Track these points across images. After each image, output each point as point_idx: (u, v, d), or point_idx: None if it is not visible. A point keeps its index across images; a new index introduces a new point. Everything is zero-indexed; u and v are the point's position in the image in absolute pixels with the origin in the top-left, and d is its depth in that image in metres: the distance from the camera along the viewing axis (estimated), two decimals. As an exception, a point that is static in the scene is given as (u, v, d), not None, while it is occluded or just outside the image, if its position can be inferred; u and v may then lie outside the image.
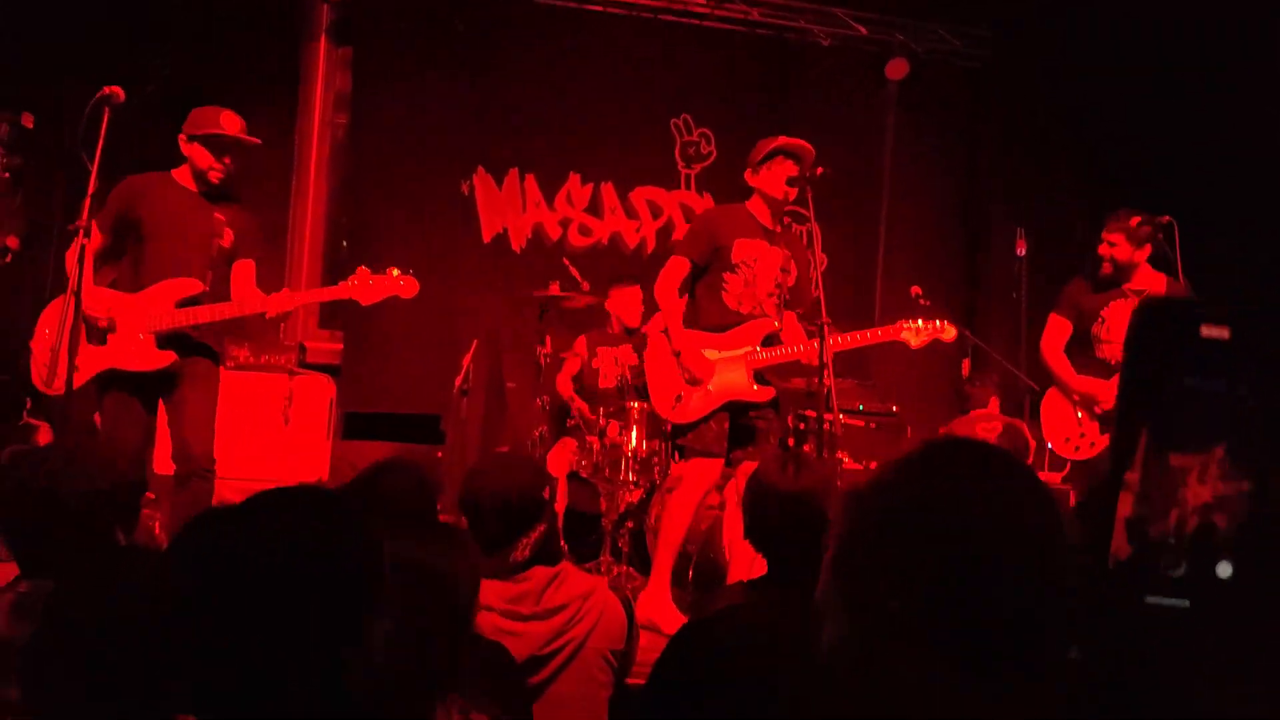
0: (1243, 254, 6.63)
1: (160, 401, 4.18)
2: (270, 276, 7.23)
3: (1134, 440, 0.97)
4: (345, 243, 7.57)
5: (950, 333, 4.63)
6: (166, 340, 4.08)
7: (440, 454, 6.75)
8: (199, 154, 4.19)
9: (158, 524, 4.64)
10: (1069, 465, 5.29)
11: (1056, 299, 5.07)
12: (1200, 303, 0.97)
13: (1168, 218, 4.78)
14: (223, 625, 1.15)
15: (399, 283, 4.15)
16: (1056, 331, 4.98)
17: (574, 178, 7.75)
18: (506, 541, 2.55)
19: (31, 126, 3.45)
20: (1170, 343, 0.96)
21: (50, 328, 3.93)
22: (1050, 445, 4.97)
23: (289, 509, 1.24)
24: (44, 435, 5.42)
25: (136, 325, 4.04)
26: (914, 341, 4.59)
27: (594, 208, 7.80)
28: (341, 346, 7.20)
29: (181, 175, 4.25)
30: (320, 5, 7.50)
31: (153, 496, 5.01)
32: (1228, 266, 6.22)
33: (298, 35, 7.57)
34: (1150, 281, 4.81)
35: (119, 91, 3.52)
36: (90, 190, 3.50)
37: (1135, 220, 4.74)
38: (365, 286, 4.13)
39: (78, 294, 3.41)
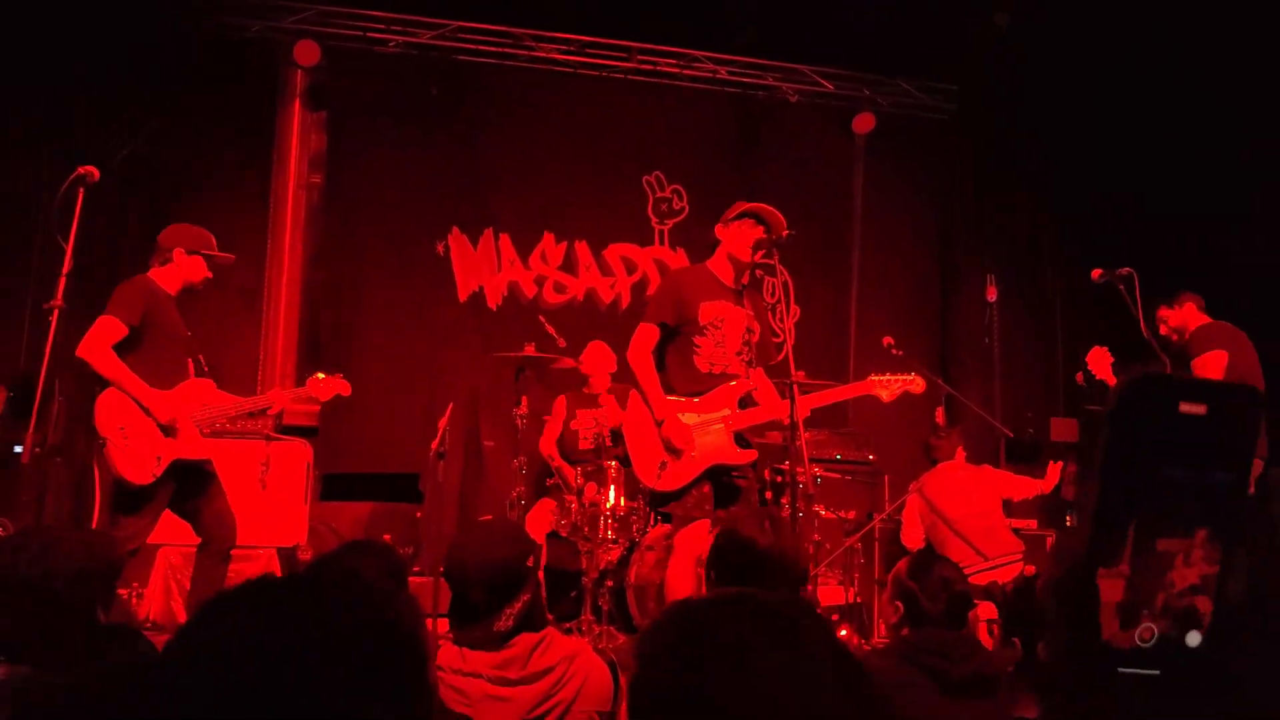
0: (1208, 297, 6.76)
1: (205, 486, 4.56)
2: (249, 337, 7.34)
3: (1117, 519, 1.01)
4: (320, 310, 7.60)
5: (920, 385, 4.70)
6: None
7: (419, 514, 6.74)
8: (198, 268, 4.55)
9: (133, 599, 4.63)
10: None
11: None
12: (1178, 380, 1.02)
13: (1128, 269, 4.89)
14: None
15: (339, 383, 4.81)
16: None
17: (548, 236, 7.84)
18: (490, 612, 2.56)
19: None
20: (1151, 419, 1.00)
21: (118, 423, 4.26)
22: None
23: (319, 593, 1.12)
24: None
25: (191, 419, 4.44)
26: (885, 395, 4.65)
27: (568, 265, 7.87)
28: (318, 409, 7.20)
29: (164, 279, 4.52)
30: (294, 70, 7.58)
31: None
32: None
33: (272, 99, 7.65)
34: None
35: (94, 171, 3.57)
36: (65, 269, 3.53)
37: (1096, 273, 4.87)
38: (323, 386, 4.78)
39: (50, 379, 3.45)
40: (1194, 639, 1.01)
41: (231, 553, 4.52)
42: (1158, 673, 1.01)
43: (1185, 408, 1.00)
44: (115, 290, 4.36)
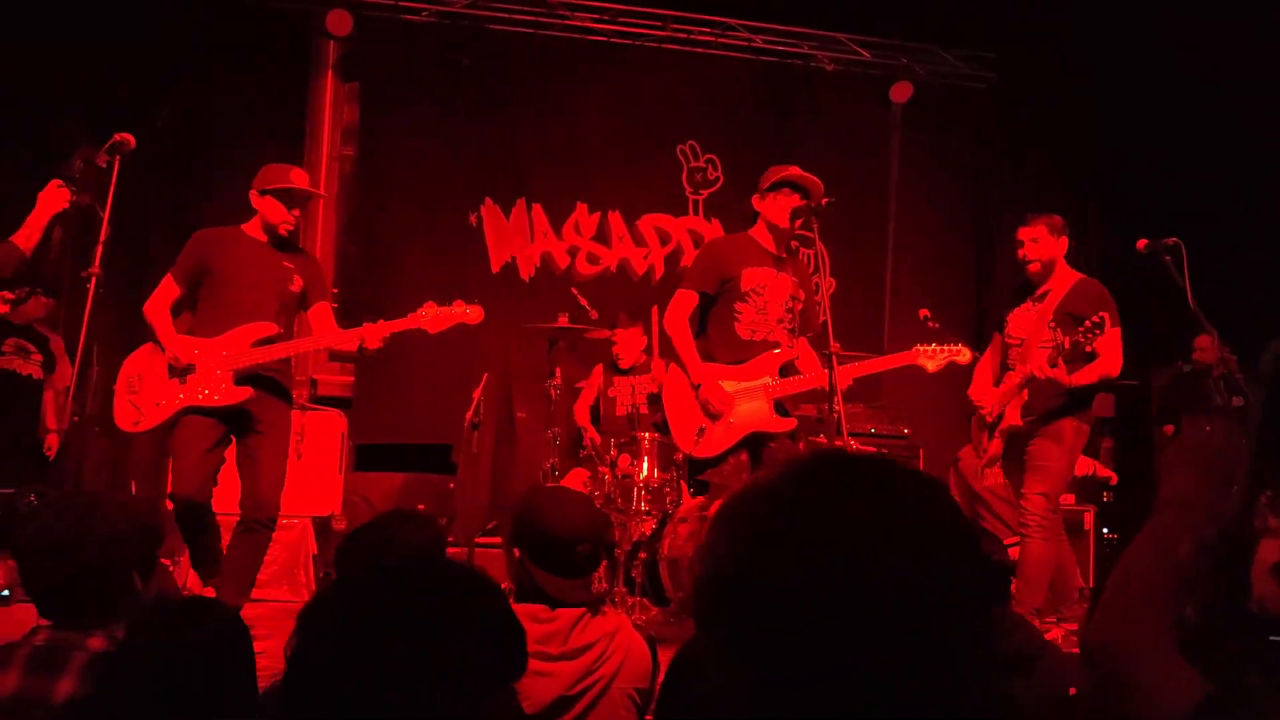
0: (1251, 271, 6.63)
1: (235, 442, 4.35)
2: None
3: (1273, 480, 0.99)
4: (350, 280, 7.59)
5: (966, 355, 4.62)
6: (244, 378, 4.26)
7: (452, 485, 6.76)
8: (272, 208, 4.37)
9: (173, 568, 4.66)
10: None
11: None
12: None
13: (1174, 239, 4.75)
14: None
15: (465, 312, 4.48)
16: (990, 348, 4.95)
17: (581, 207, 7.78)
18: (592, 569, 2.60)
19: (104, 165, 3.55)
20: None
21: (134, 373, 4.27)
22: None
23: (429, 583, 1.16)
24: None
25: (215, 364, 4.24)
26: (930, 366, 4.59)
27: (602, 236, 7.82)
28: (352, 379, 7.22)
29: (251, 228, 4.44)
30: (326, 41, 7.55)
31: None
32: (1235, 284, 6.23)
33: (305, 71, 7.64)
34: (1063, 280, 4.71)
35: (129, 139, 3.57)
36: (103, 236, 3.54)
37: (1141, 243, 4.73)
38: (433, 317, 4.44)
39: (88, 346, 3.44)
40: None
41: (262, 525, 4.29)
42: None
43: None
44: None
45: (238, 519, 4.33)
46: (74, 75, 6.64)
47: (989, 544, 3.00)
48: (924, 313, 6.29)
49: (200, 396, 4.22)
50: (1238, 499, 1.00)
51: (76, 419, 5.03)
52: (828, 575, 0.83)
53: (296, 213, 4.43)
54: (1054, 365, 4.34)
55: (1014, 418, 4.56)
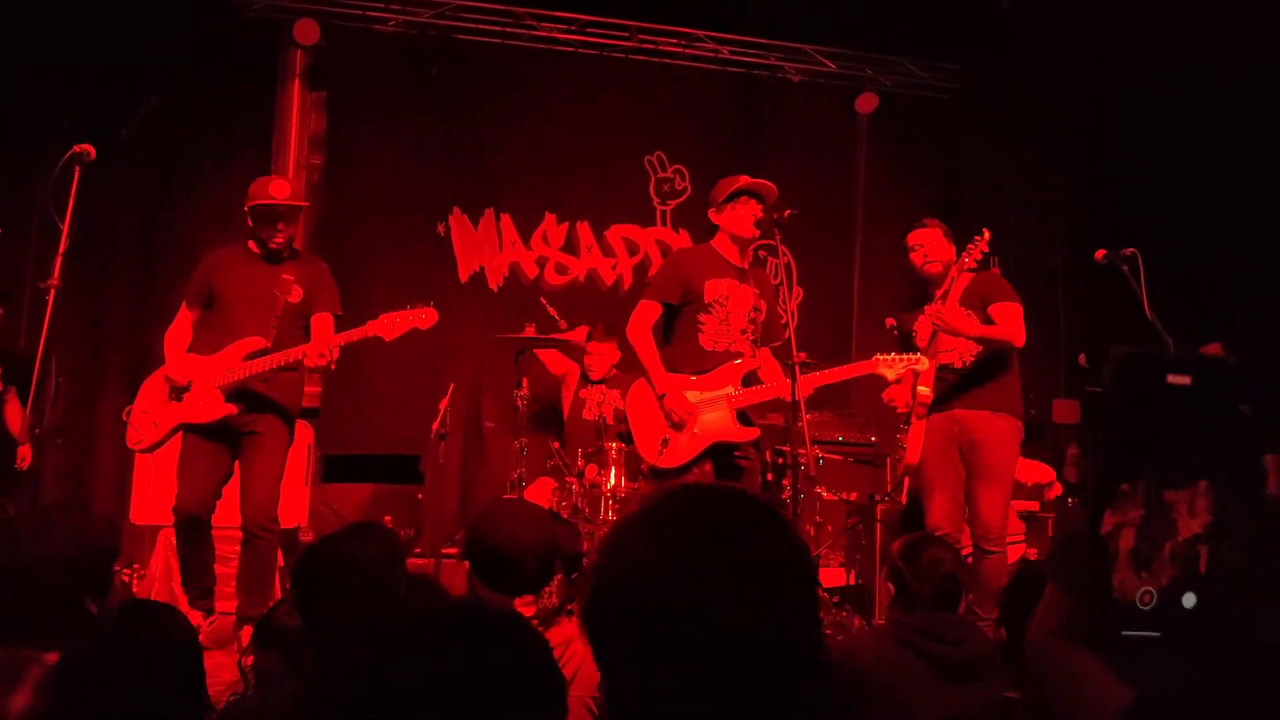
0: (1212, 282, 6.73)
1: (239, 459, 4.49)
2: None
3: (1116, 482, 1.07)
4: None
5: (924, 363, 4.64)
6: (234, 395, 4.37)
7: (420, 495, 6.74)
8: (254, 225, 4.48)
9: (133, 581, 4.64)
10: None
11: None
12: (1166, 355, 1.10)
13: (1132, 249, 4.81)
14: None
15: (420, 315, 4.32)
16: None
17: (549, 217, 7.80)
18: (543, 582, 2.62)
19: None
20: (1141, 390, 1.08)
21: (144, 397, 4.50)
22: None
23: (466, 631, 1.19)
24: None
25: (208, 382, 4.39)
26: (890, 375, 4.61)
27: (570, 246, 7.84)
28: (319, 390, 7.19)
29: (252, 243, 4.57)
30: (294, 50, 7.53)
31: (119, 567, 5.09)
32: (1196, 294, 6.32)
33: (272, 79, 7.61)
34: (959, 279, 4.71)
35: (90, 150, 3.54)
36: (62, 248, 3.51)
37: (1099, 254, 4.78)
38: (390, 324, 4.31)
39: (47, 358, 3.42)
40: (1189, 600, 1.07)
41: (255, 535, 4.41)
42: (1158, 635, 1.06)
43: (1172, 379, 1.09)
44: None
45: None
46: (41, 82, 6.59)
47: (942, 551, 3.02)
48: (890, 322, 6.33)
49: (193, 413, 4.36)
50: (1089, 506, 1.10)
51: (36, 430, 4.99)
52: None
53: (281, 226, 4.46)
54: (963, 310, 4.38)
55: (928, 387, 4.53)
